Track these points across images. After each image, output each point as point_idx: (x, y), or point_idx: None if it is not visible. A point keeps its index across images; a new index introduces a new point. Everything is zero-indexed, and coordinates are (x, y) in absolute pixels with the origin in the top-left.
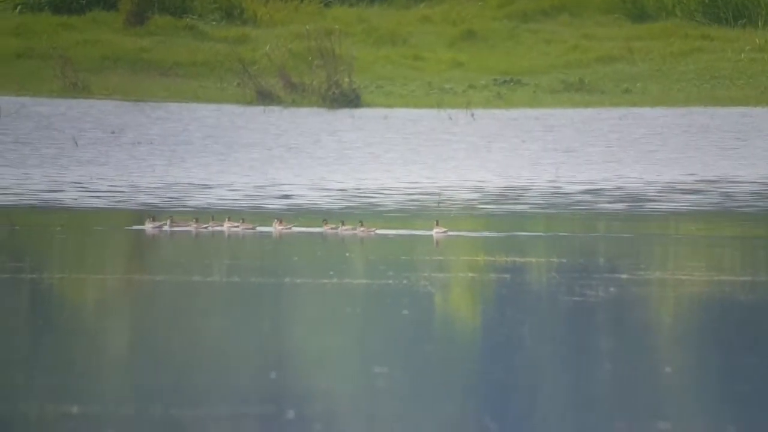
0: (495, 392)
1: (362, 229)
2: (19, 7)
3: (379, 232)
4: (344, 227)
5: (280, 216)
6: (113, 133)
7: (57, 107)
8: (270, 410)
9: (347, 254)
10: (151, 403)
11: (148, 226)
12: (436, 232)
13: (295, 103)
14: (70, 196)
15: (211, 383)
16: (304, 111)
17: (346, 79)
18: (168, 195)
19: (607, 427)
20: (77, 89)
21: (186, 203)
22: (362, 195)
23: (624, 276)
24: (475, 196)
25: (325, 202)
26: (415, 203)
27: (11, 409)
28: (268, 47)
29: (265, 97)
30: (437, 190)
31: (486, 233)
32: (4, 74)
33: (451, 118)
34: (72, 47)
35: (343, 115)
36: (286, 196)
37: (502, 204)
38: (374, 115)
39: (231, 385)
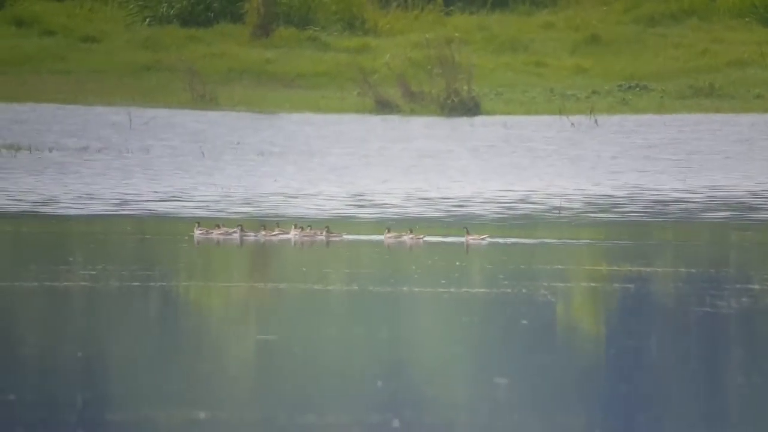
0: (619, 406)
1: (411, 236)
2: (148, 20)
3: (427, 239)
4: (389, 234)
5: (328, 224)
6: (238, 143)
7: (184, 118)
8: (387, 419)
9: (457, 263)
10: (277, 410)
11: (197, 233)
12: (470, 239)
13: (413, 112)
14: (180, 206)
15: (336, 391)
16: (421, 120)
17: (465, 87)
18: (267, 203)
19: None
20: (205, 101)
21: (280, 212)
22: (463, 204)
23: (756, 287)
24: (592, 202)
25: (417, 211)
26: (518, 211)
27: (141, 415)
28: (388, 56)
29: (384, 107)
30: (557, 199)
31: (571, 240)
32: (134, 86)
33: (573, 125)
34: (199, 59)
35: (461, 123)
36: (376, 205)
37: (611, 212)
38: (493, 123)
39: (355, 393)
